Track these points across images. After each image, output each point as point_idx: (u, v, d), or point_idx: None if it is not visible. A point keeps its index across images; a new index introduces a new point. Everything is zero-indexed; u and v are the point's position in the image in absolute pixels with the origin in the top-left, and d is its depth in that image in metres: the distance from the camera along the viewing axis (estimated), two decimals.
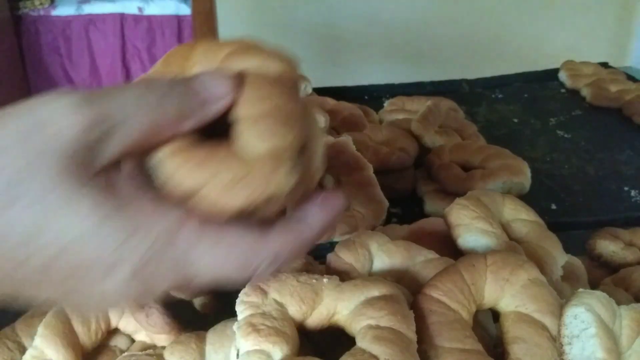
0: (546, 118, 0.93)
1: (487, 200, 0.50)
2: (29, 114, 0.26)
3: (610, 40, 1.92)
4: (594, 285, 0.50)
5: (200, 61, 0.31)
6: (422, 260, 0.44)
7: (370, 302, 0.36)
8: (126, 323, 0.45)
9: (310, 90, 0.88)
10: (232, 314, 0.36)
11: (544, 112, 0.95)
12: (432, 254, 0.44)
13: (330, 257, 0.44)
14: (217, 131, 0.29)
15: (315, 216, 0.30)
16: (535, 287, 0.38)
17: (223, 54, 0.31)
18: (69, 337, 0.41)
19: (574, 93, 1.01)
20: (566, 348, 0.35)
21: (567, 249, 0.49)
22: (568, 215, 0.69)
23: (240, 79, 0.29)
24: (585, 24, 1.93)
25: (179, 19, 1.98)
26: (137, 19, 1.98)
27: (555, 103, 0.99)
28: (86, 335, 0.42)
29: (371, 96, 1.00)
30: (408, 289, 0.40)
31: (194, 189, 0.27)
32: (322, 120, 0.72)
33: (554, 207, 0.70)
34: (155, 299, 0.29)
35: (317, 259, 0.47)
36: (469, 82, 1.05)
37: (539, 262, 0.44)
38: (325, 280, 0.37)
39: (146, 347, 0.44)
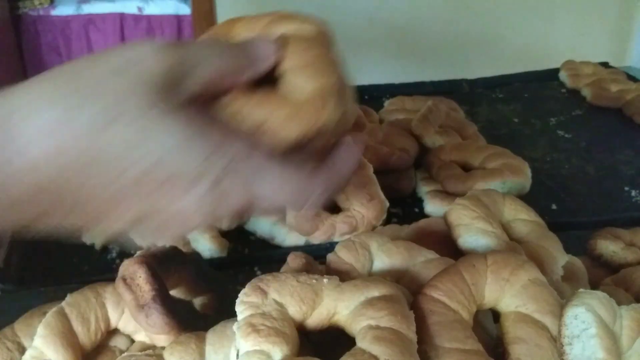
0: (546, 118, 0.93)
1: (487, 200, 0.50)
2: (119, 55, 0.30)
3: (611, 40, 1.92)
4: (594, 285, 0.50)
5: (243, 32, 0.35)
6: (422, 261, 0.44)
7: (370, 303, 0.36)
8: (126, 323, 0.45)
9: None
10: (232, 314, 0.36)
11: (544, 112, 0.95)
12: (432, 254, 0.44)
13: (330, 257, 0.44)
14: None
15: (349, 155, 0.34)
16: (536, 287, 0.38)
17: (262, 24, 0.35)
18: (69, 338, 0.41)
19: (575, 93, 1.01)
20: (566, 348, 0.35)
21: (568, 249, 0.49)
22: (568, 215, 0.69)
23: (282, 41, 0.34)
24: (586, 24, 1.93)
25: (178, 18, 1.98)
26: (137, 18, 1.98)
27: (555, 103, 0.99)
28: (86, 336, 0.42)
29: (371, 96, 0.99)
30: (408, 289, 0.40)
31: (256, 124, 0.31)
32: None
33: (554, 207, 0.70)
34: (221, 223, 0.32)
35: (317, 259, 0.47)
36: (469, 82, 1.05)
37: (539, 262, 0.44)
38: (325, 280, 0.37)
39: (146, 347, 0.44)
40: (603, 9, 1.93)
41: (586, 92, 0.98)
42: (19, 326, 0.45)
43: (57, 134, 0.27)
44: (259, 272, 0.59)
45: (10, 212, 0.29)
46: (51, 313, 0.42)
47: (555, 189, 0.74)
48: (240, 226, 0.67)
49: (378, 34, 1.93)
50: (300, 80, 0.33)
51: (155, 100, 0.29)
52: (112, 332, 0.45)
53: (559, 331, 0.36)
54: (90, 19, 1.98)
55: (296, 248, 0.59)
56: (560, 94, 1.02)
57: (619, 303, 0.38)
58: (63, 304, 0.43)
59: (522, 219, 0.50)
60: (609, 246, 0.55)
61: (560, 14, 1.92)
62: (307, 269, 0.44)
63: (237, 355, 0.34)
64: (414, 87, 0.99)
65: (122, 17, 1.98)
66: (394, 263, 0.44)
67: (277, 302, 0.35)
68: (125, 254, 0.65)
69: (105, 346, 0.45)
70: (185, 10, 1.94)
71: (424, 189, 0.71)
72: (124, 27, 1.98)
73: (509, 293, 0.38)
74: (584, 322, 0.35)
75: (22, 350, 0.43)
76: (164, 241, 0.34)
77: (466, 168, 0.71)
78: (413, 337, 0.34)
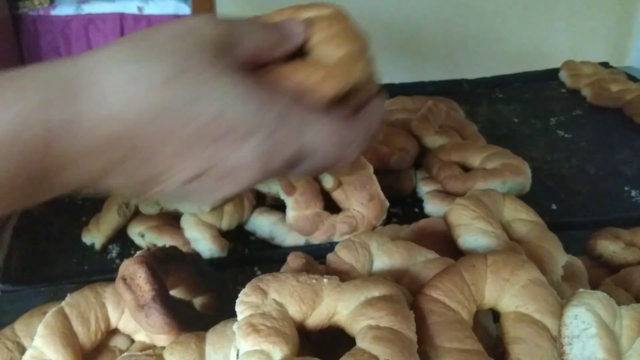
0: (546, 118, 0.93)
1: (488, 200, 0.50)
2: (177, 24, 0.34)
3: (611, 40, 1.92)
4: (594, 285, 0.50)
5: (274, 18, 0.40)
6: (422, 261, 0.44)
7: (370, 303, 0.36)
8: (126, 323, 0.45)
9: None
10: (232, 314, 0.36)
11: (545, 112, 0.95)
12: (432, 254, 0.44)
13: (330, 257, 0.44)
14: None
15: (378, 109, 0.39)
16: (536, 287, 0.38)
17: (287, 14, 0.39)
18: (69, 338, 0.41)
19: (575, 93, 1.01)
20: (566, 348, 0.35)
21: (568, 249, 0.49)
22: (568, 215, 0.69)
23: (308, 21, 0.38)
24: (586, 24, 1.93)
25: (178, 18, 1.98)
26: (137, 18, 1.98)
27: (555, 103, 0.99)
28: (86, 336, 0.42)
29: None
30: (408, 289, 0.40)
31: (296, 85, 0.35)
32: None
33: (554, 207, 0.70)
34: (274, 175, 0.36)
35: (317, 259, 0.47)
36: (469, 82, 1.05)
37: (539, 262, 0.44)
38: (325, 280, 0.37)
39: (146, 347, 0.44)
40: (603, 9, 1.93)
41: (586, 92, 0.98)
42: (19, 326, 0.45)
43: (133, 86, 0.30)
44: (259, 272, 0.59)
45: (88, 160, 0.31)
46: (51, 313, 0.42)
47: (555, 189, 0.74)
48: (240, 226, 0.67)
49: (378, 34, 1.92)
50: (329, 50, 0.37)
51: (213, 61, 0.32)
52: (112, 332, 0.45)
53: (559, 331, 0.36)
54: (90, 19, 1.97)
55: (296, 248, 0.59)
56: (560, 94, 1.02)
57: (619, 303, 0.38)
58: (63, 304, 0.43)
59: (522, 219, 0.50)
60: (609, 246, 0.55)
61: (561, 14, 1.92)
62: (307, 269, 0.44)
63: (237, 355, 0.34)
64: (414, 87, 0.99)
65: (122, 17, 1.97)
66: (394, 263, 0.44)
67: (277, 302, 0.35)
68: (125, 254, 0.65)
69: (105, 346, 0.45)
70: (185, 10, 1.94)
71: (424, 189, 0.71)
72: (124, 27, 1.98)
73: (509, 293, 0.38)
74: (584, 322, 0.35)
75: (22, 350, 0.43)
76: (220, 200, 0.36)
77: (466, 168, 0.71)
78: (413, 337, 0.34)
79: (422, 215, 0.68)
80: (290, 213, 0.63)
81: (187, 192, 0.35)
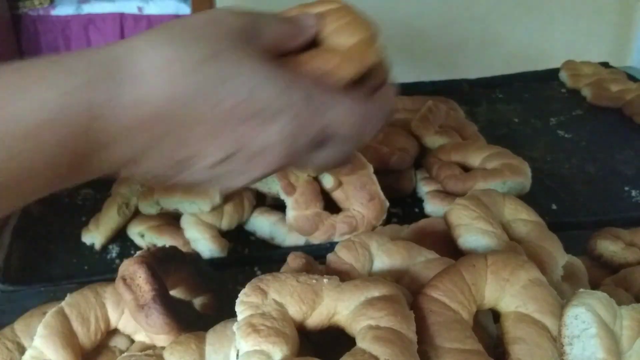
0: (546, 118, 0.93)
1: (488, 200, 0.50)
2: (204, 14, 0.36)
3: (611, 40, 1.92)
4: (594, 285, 0.50)
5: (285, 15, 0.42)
6: (422, 261, 0.44)
7: (370, 303, 0.36)
8: (126, 323, 0.45)
9: None
10: (232, 314, 0.36)
11: (545, 112, 0.95)
12: (432, 254, 0.44)
13: (330, 257, 0.44)
14: None
15: (391, 92, 0.42)
16: (536, 288, 0.38)
17: (298, 10, 0.41)
18: (69, 338, 0.41)
19: (575, 93, 1.01)
20: (567, 348, 0.35)
21: (568, 249, 0.49)
22: (568, 215, 0.69)
23: (319, 15, 0.40)
24: (586, 24, 1.93)
25: (178, 18, 1.97)
26: (137, 18, 1.97)
27: (555, 103, 0.99)
28: (85, 336, 0.42)
29: None
30: (408, 289, 0.40)
31: (315, 70, 0.37)
32: None
33: (554, 207, 0.70)
34: (299, 158, 0.37)
35: (317, 259, 0.47)
36: (469, 82, 1.05)
37: (540, 262, 0.44)
38: (325, 280, 0.37)
39: (146, 347, 0.44)
40: (603, 9, 1.93)
41: (586, 92, 0.98)
42: (19, 326, 0.45)
43: (170, 67, 0.32)
44: (259, 272, 0.59)
45: (128, 137, 0.32)
46: (51, 313, 0.42)
47: (555, 189, 0.74)
48: (240, 226, 0.67)
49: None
50: (342, 38, 0.39)
51: (241, 45, 0.34)
52: (112, 332, 0.45)
53: (559, 331, 0.36)
54: (90, 19, 1.97)
55: (296, 248, 0.59)
56: (560, 94, 1.02)
57: (619, 303, 0.38)
58: (63, 304, 0.43)
59: (522, 219, 0.50)
60: (609, 246, 0.55)
61: (561, 14, 1.92)
62: (307, 269, 0.44)
63: (237, 355, 0.34)
64: (414, 87, 0.99)
65: (122, 17, 1.97)
66: (394, 263, 0.44)
67: (277, 302, 0.35)
68: (125, 254, 0.65)
69: (105, 346, 0.45)
70: (185, 10, 1.94)
71: (424, 189, 0.71)
72: (124, 27, 1.98)
73: (509, 293, 0.38)
74: (584, 322, 0.35)
75: (22, 350, 0.43)
76: (250, 182, 0.38)
77: (466, 168, 0.71)
78: (413, 337, 0.34)
79: (422, 215, 0.68)
80: (290, 213, 0.63)
81: (216, 176, 0.36)
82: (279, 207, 0.66)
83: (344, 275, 0.41)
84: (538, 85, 1.05)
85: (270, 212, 0.67)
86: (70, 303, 0.43)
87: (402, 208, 0.70)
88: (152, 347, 0.43)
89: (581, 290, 0.38)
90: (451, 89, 1.01)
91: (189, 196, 0.63)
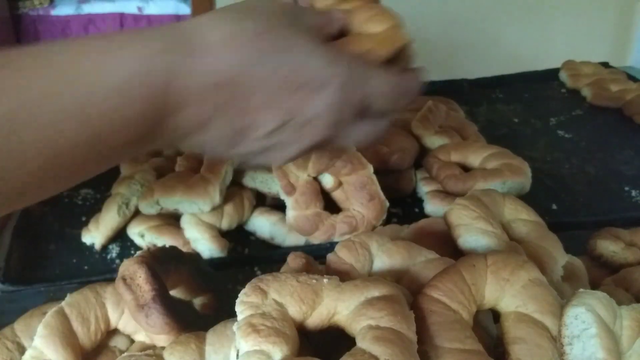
0: (546, 118, 0.93)
1: (488, 200, 0.50)
2: (251, 1, 0.41)
3: (611, 40, 1.92)
4: (594, 285, 0.50)
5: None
6: (422, 261, 0.44)
7: (370, 303, 0.36)
8: (126, 323, 0.45)
9: None
10: (232, 314, 0.36)
11: (545, 112, 0.95)
12: (432, 254, 0.44)
13: (330, 257, 0.44)
14: None
15: (418, 71, 0.45)
16: (536, 288, 0.38)
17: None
18: (69, 338, 0.41)
19: (575, 93, 1.01)
20: (567, 348, 0.35)
21: (568, 249, 0.49)
22: (568, 215, 0.69)
23: (346, 10, 0.44)
24: (586, 24, 1.93)
25: (178, 18, 1.97)
26: (137, 18, 1.97)
27: (555, 103, 0.99)
28: (86, 336, 0.42)
29: None
30: (408, 289, 0.40)
31: (356, 51, 0.41)
32: None
33: (554, 207, 0.70)
34: (342, 128, 0.41)
35: (317, 259, 0.47)
36: (469, 82, 1.05)
37: (540, 262, 0.44)
38: (325, 280, 0.37)
39: (146, 347, 0.44)
40: (603, 9, 1.92)
41: (586, 92, 0.98)
42: (19, 326, 0.45)
43: (233, 40, 0.37)
44: (259, 272, 0.59)
45: (198, 102, 0.36)
46: (51, 313, 0.42)
47: (555, 189, 0.74)
48: (240, 226, 0.67)
49: None
50: (372, 27, 0.44)
51: (290, 22, 0.39)
52: (112, 332, 0.45)
53: (559, 331, 0.36)
54: (90, 19, 1.97)
55: (296, 248, 0.59)
56: (560, 94, 1.02)
57: (619, 303, 0.38)
58: (63, 304, 0.43)
59: (522, 219, 0.50)
60: (609, 246, 0.55)
61: (560, 14, 1.92)
62: (307, 269, 0.44)
63: (237, 355, 0.34)
64: None
65: (122, 17, 1.97)
66: (394, 263, 0.44)
67: (277, 302, 0.35)
68: (125, 254, 0.65)
69: (105, 346, 0.45)
70: (185, 10, 1.94)
71: (424, 189, 0.71)
72: (124, 27, 1.98)
73: (509, 293, 0.38)
74: (584, 322, 0.35)
75: (22, 350, 0.43)
76: (299, 153, 0.41)
77: (466, 168, 0.71)
78: (413, 337, 0.34)
79: (422, 215, 0.68)
80: (290, 213, 0.63)
81: (269, 146, 0.40)
82: (279, 207, 0.66)
83: (344, 275, 0.41)
84: (538, 85, 1.04)
85: (270, 212, 0.67)
86: (70, 303, 0.43)
87: (402, 208, 0.70)
88: (152, 347, 0.43)
89: (581, 290, 0.38)
90: (451, 89, 1.01)
91: (189, 196, 0.63)
